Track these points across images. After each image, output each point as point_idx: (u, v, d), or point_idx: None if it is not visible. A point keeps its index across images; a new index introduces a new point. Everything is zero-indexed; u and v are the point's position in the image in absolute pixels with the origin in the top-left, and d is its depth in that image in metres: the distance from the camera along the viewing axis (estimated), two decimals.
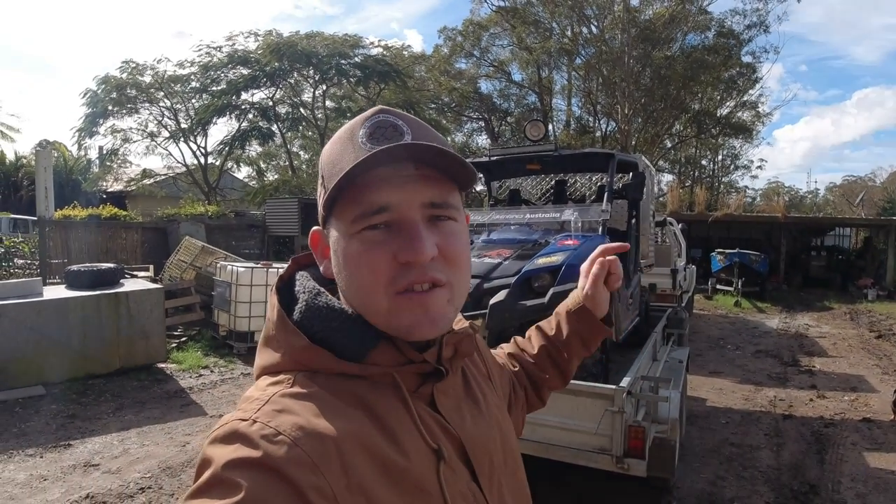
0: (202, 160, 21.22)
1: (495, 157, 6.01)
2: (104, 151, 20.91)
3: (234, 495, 0.55)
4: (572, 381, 3.98)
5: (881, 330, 12.84)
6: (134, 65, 19.20)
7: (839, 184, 48.72)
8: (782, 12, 28.37)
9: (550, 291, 4.21)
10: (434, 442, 0.70)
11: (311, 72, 20.18)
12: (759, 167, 58.56)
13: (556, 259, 4.51)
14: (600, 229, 5.16)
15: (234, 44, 20.17)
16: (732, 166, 38.30)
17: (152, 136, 20.79)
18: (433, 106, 24.25)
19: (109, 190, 21.38)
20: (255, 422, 0.62)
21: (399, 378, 0.72)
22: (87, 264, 7.68)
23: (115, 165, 21.40)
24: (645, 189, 5.69)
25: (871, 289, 18.89)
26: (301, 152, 28.30)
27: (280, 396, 0.66)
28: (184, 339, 8.80)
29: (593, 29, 26.05)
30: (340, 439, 0.63)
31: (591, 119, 29.52)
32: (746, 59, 25.80)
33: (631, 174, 5.60)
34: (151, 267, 9.80)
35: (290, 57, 18.79)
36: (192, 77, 19.91)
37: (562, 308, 1.20)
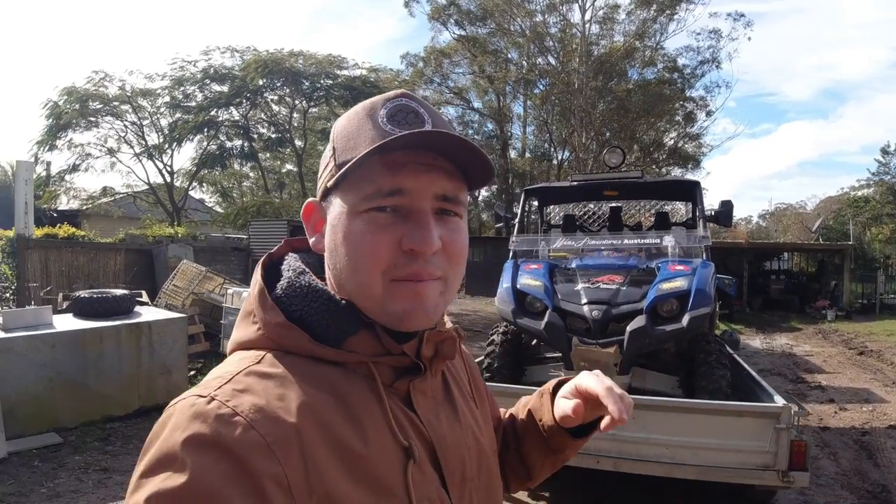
0: (168, 179, 19.89)
1: (577, 182, 5.90)
2: (50, 168, 19.36)
3: (181, 476, 0.53)
4: (734, 403, 3.86)
5: (858, 347, 13.57)
6: (103, 75, 18.00)
7: (772, 211, 51.97)
8: (733, 49, 30.02)
9: (687, 316, 4.29)
10: (405, 439, 0.67)
11: (288, 90, 19.40)
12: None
13: (680, 284, 4.47)
14: (704, 254, 5.08)
15: (209, 58, 19.21)
16: None
17: (111, 151, 19.35)
18: None
19: (61, 208, 19.67)
20: (212, 399, 0.59)
21: (375, 369, 0.69)
22: (98, 290, 6.78)
23: (70, 182, 19.82)
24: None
25: (829, 310, 19.83)
26: (271, 175, 27.31)
27: (244, 375, 0.63)
28: (192, 372, 7.92)
29: (551, 60, 26.63)
30: (301, 424, 0.60)
31: (548, 147, 30.07)
32: (699, 93, 26.98)
33: (720, 202, 5.59)
34: (144, 293, 8.86)
35: (278, 74, 17.95)
36: (163, 91, 18.80)
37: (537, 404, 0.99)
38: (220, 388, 0.60)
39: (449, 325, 0.83)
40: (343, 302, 0.70)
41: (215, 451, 0.55)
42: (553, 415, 0.92)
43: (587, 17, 25.65)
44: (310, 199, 0.77)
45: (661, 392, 4.48)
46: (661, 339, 4.30)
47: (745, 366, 5.40)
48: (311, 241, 0.76)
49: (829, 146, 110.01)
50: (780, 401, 3.87)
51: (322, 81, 19.11)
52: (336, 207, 0.70)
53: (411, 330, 0.70)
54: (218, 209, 25.53)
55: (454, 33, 27.13)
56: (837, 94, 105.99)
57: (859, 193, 39.39)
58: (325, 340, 0.68)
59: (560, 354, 4.62)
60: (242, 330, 0.71)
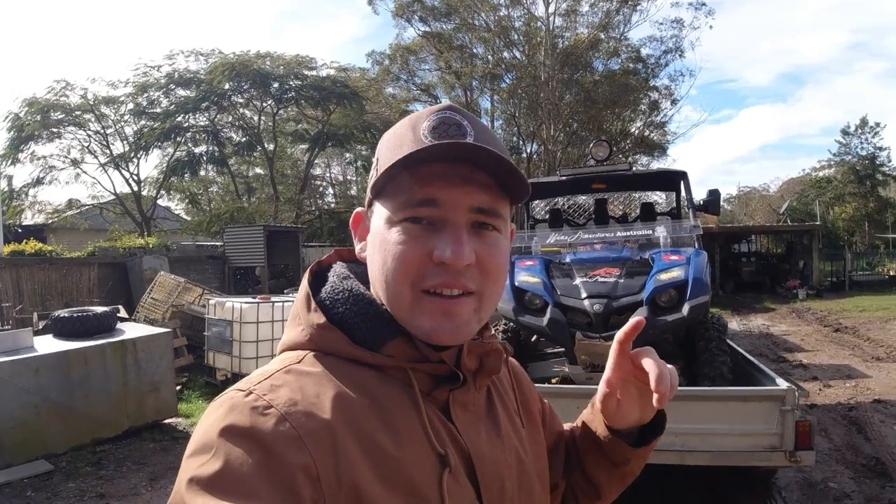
0: (135, 188, 19.36)
1: (566, 177, 5.90)
2: (12, 182, 18.65)
3: (216, 463, 0.56)
4: (740, 389, 3.73)
5: (833, 325, 14.07)
6: (64, 84, 17.42)
7: (735, 194, 53.13)
8: (696, 38, 30.50)
9: (687, 305, 4.32)
10: (441, 447, 0.67)
11: (255, 92, 19.02)
12: None
13: (677, 274, 4.52)
14: (696, 243, 5.13)
15: (174, 62, 18.74)
16: None
17: (75, 163, 18.77)
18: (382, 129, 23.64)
19: (26, 223, 18.98)
20: (250, 393, 0.62)
21: (412, 375, 0.69)
22: (78, 308, 6.54)
23: (34, 196, 19.18)
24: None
25: (801, 289, 20.36)
26: (239, 179, 26.89)
27: (284, 373, 0.65)
28: (178, 387, 7.72)
29: (516, 53, 26.74)
30: (334, 421, 0.61)
31: (517, 140, 30.20)
32: (664, 82, 27.42)
33: (707, 191, 5.67)
34: (122, 308, 8.59)
35: (246, 76, 17.58)
36: (127, 98, 18.25)
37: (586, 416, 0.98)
38: (259, 383, 0.63)
39: (492, 333, 0.81)
40: (383, 307, 0.70)
41: (248, 441, 0.57)
42: (604, 422, 0.90)
43: (551, 9, 25.83)
44: (358, 209, 0.78)
45: None
46: (664, 330, 4.33)
47: (741, 350, 5.49)
48: (357, 249, 0.78)
49: (790, 129, 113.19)
50: (783, 384, 3.95)
51: (291, 82, 18.83)
52: (376, 217, 0.71)
53: (441, 345, 0.69)
54: (185, 216, 25.09)
55: (419, 30, 27.20)
56: (797, 78, 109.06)
57: (821, 174, 40.54)
58: (364, 344, 0.69)
59: (562, 349, 4.63)
60: (289, 332, 0.73)
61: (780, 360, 9.85)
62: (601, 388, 0.86)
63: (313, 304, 0.72)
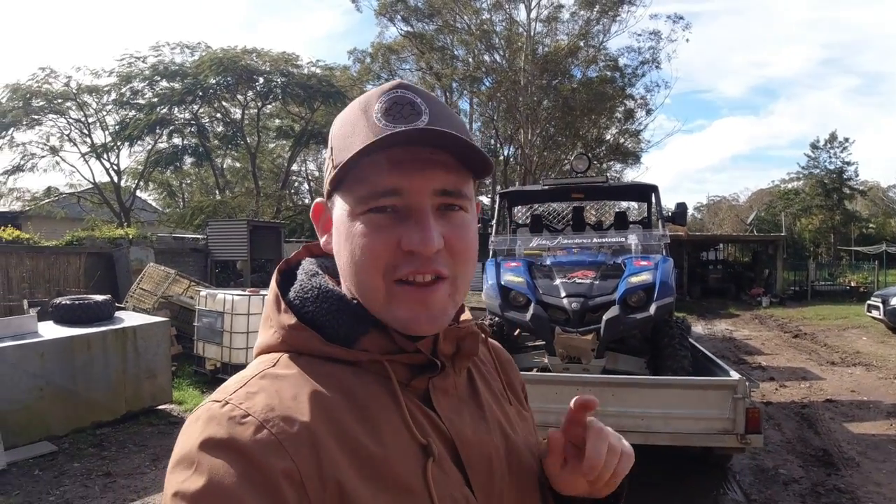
0: (115, 178, 19.30)
1: (549, 186, 6.37)
2: None
3: (199, 477, 0.56)
4: (698, 378, 4.37)
5: (793, 331, 14.51)
6: (49, 71, 17.33)
7: (705, 203, 54.58)
8: (672, 51, 31.26)
9: (654, 305, 4.82)
10: (423, 437, 0.66)
11: (240, 87, 19.11)
12: None
13: (646, 278, 4.96)
14: (664, 251, 5.61)
15: (159, 54, 18.77)
16: None
17: (53, 150, 18.64)
18: None
19: (1, 210, 18.76)
20: (227, 403, 0.61)
21: (389, 368, 0.68)
22: (78, 296, 6.74)
23: (13, 183, 19.00)
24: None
25: (764, 296, 21.05)
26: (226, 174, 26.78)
27: (259, 378, 0.65)
28: None
29: (497, 57, 27.15)
30: (313, 423, 0.61)
31: (494, 143, 30.66)
32: (640, 91, 28.06)
33: (675, 204, 6.16)
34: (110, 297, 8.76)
35: (234, 72, 17.70)
36: (110, 88, 18.21)
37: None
38: (234, 392, 0.63)
39: (471, 321, 0.79)
40: (354, 301, 0.69)
41: (229, 452, 0.57)
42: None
43: (532, 15, 26.29)
44: (317, 200, 0.76)
45: (631, 372, 5.03)
46: (633, 326, 4.83)
47: (701, 347, 5.98)
48: (322, 241, 0.76)
49: (761, 141, 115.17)
50: (735, 375, 4.42)
51: (277, 79, 19.02)
52: (338, 209, 0.70)
53: (419, 334, 0.69)
54: (157, 207, 25.05)
55: (401, 30, 27.35)
56: (769, 91, 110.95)
57: (789, 186, 41.40)
58: (338, 340, 0.68)
59: (543, 343, 5.08)
60: (262, 335, 0.72)
61: (740, 362, 10.28)
62: (546, 444, 0.78)
63: (283, 305, 0.70)
